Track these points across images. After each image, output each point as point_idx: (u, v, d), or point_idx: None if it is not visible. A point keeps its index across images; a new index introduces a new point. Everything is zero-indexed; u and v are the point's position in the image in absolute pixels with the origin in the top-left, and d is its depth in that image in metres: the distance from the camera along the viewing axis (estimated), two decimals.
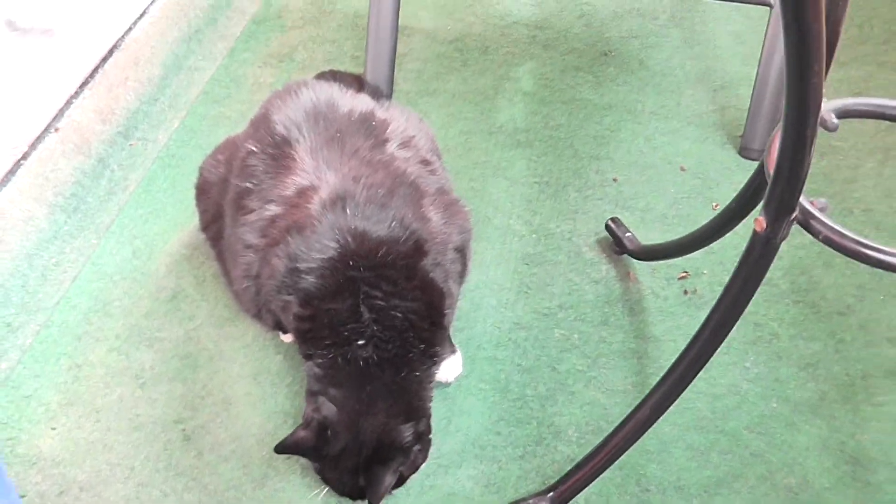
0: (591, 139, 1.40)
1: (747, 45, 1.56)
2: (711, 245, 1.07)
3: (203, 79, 1.52)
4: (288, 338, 1.09)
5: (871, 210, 1.27)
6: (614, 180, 1.33)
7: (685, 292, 1.17)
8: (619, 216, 1.24)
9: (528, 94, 1.48)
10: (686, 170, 1.35)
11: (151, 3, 1.46)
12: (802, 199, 0.73)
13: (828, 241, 0.72)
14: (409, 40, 1.59)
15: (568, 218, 1.27)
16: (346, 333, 0.85)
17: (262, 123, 1.00)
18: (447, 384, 1.06)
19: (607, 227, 1.23)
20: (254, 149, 0.98)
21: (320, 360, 0.87)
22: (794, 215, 0.71)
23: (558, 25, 1.63)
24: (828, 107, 0.83)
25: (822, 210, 0.74)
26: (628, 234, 1.20)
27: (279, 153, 0.95)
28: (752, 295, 0.77)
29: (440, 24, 1.64)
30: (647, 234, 1.22)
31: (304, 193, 0.90)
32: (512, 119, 1.44)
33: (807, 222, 0.73)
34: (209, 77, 1.52)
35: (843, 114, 0.82)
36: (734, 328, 0.80)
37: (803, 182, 0.68)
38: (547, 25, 1.63)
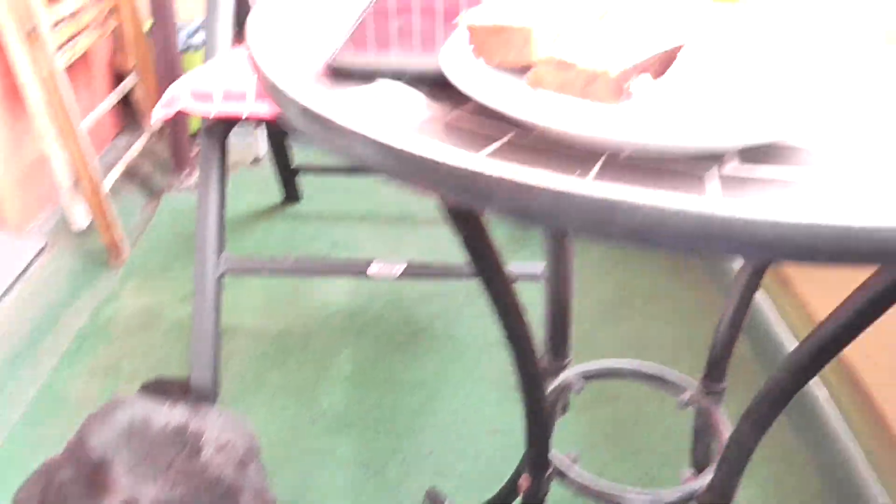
0: (407, 415, 1.50)
1: (537, 312, 1.77)
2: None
3: (26, 399, 1.53)
4: None
5: (653, 449, 1.42)
6: (430, 452, 1.42)
7: None
8: (437, 485, 1.32)
9: (347, 379, 1.60)
10: (496, 432, 1.47)
11: None
12: (555, 454, 0.85)
13: (581, 490, 0.84)
14: (233, 341, 1.69)
15: (390, 494, 1.34)
16: None
17: (77, 447, 1.04)
18: None
19: (426, 498, 1.30)
20: (68, 474, 1.01)
21: None
22: (549, 471, 0.83)
23: (372, 311, 1.80)
24: (574, 371, 0.99)
25: (574, 461, 0.86)
26: (447, 503, 1.27)
27: (94, 476, 0.99)
28: None
29: (262, 322, 1.77)
30: (467, 498, 1.30)
31: None
32: (333, 406, 1.53)
33: (562, 476, 0.85)
34: (32, 396, 1.54)
35: (587, 376, 0.97)
36: None
37: (547, 443, 0.80)
38: (361, 312, 1.79)
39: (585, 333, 1.72)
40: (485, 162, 0.41)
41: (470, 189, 0.41)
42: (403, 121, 0.46)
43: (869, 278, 0.60)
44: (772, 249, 0.38)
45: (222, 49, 1.48)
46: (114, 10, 2.10)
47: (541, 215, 0.40)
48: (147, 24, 2.19)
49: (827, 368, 1.38)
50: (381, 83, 0.50)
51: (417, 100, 0.49)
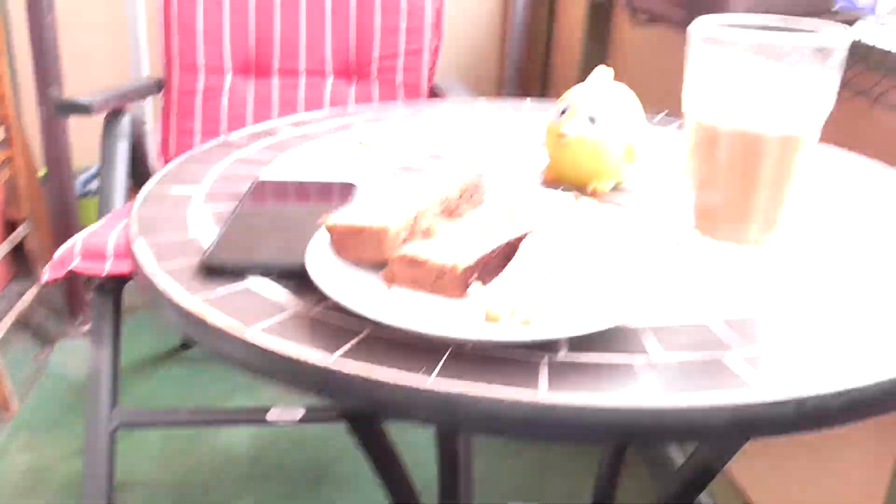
0: None
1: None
2: None
3: None
4: None
5: None
6: None
7: None
8: None
9: None
10: None
11: None
12: None
13: None
14: (128, 495, 1.63)
15: None
16: None
17: None
18: None
19: None
20: None
21: None
22: None
23: (274, 455, 1.77)
24: None
25: None
26: None
27: None
28: None
29: (159, 474, 1.71)
30: None
31: None
32: None
33: None
34: None
35: None
36: None
37: None
38: (263, 457, 1.76)
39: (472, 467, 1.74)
40: (340, 361, 0.45)
41: (327, 387, 0.45)
42: (269, 317, 0.50)
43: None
44: (596, 434, 0.43)
45: (117, 203, 1.50)
46: (7, 161, 2.10)
47: (392, 409, 0.44)
48: (42, 171, 2.19)
49: (719, 489, 1.43)
50: (252, 279, 0.54)
51: (284, 295, 0.53)
